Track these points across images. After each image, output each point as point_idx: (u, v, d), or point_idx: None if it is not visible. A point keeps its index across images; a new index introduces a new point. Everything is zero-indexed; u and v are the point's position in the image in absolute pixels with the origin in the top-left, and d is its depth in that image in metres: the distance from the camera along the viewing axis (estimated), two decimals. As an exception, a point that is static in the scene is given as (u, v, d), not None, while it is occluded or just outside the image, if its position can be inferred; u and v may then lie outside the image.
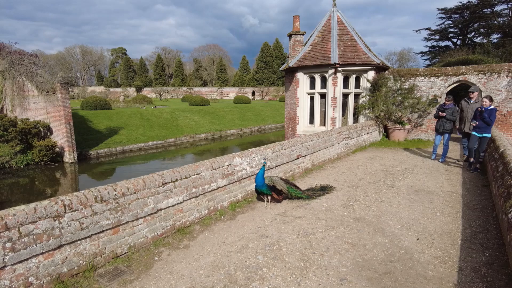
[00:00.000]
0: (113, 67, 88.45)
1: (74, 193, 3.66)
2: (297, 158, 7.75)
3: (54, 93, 19.69)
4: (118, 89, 69.07)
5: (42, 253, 3.22)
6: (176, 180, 4.68)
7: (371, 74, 13.40)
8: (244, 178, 5.98)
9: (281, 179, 5.92)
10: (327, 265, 3.80)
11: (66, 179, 18.05)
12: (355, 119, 14.02)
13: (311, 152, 8.38)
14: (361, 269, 3.72)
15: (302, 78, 14.30)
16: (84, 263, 3.61)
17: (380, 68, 13.65)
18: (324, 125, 14.16)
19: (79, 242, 3.55)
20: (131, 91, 66.05)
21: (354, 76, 13.62)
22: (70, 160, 19.88)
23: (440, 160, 9.40)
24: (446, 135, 9.29)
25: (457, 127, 9.45)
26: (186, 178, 4.82)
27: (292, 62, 14.38)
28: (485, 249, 4.14)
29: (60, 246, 3.36)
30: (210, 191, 5.21)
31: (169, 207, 4.53)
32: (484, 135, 7.93)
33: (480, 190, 6.70)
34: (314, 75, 14.04)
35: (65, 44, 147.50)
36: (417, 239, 4.44)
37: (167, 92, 63.07)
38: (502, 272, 3.60)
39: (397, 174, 8.03)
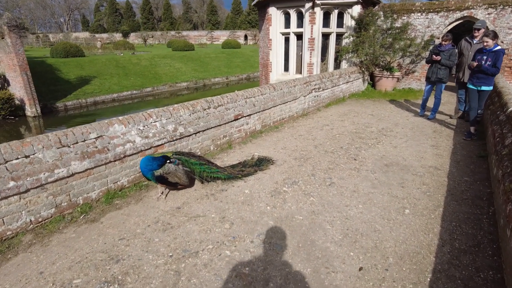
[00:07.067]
0: (98, 11, 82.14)
1: None
2: (236, 119, 5.82)
3: (3, 38, 17.33)
4: (104, 35, 64.73)
5: None
6: (-31, 171, 2.82)
7: (356, 10, 10.92)
8: (132, 155, 4.10)
9: (191, 155, 4.06)
10: None
11: (30, 135, 16.30)
12: (337, 65, 11.78)
13: (261, 109, 6.42)
14: None
15: (275, 15, 11.79)
16: None
17: (368, 2, 11.10)
18: (301, 72, 11.97)
19: None
20: (118, 36, 61.73)
21: (336, 11, 11.12)
22: (33, 113, 18.15)
23: (429, 117, 7.45)
24: (440, 86, 7.22)
25: (454, 74, 7.36)
26: (-6, 165, 2.96)
27: (263, -5, 11.79)
28: (469, 293, 2.40)
29: None
30: (55, 181, 3.37)
31: (-49, 217, 2.74)
32: (484, 88, 5.88)
33: (474, 164, 4.83)
34: (289, 10, 11.52)
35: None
36: (360, 269, 2.68)
37: (152, 37, 58.90)
38: None
39: (369, 137, 6.13)
